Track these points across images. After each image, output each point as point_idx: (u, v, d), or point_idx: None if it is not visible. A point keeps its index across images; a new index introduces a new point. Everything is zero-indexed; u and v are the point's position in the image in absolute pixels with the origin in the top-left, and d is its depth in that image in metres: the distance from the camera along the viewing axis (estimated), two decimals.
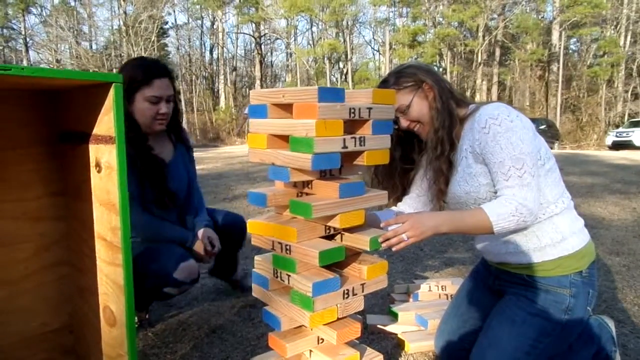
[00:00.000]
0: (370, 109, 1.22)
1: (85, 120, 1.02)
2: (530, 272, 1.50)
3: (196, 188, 2.18)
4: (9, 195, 1.15)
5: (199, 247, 2.00)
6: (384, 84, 1.57)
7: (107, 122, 0.93)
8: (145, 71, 1.81)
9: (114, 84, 0.88)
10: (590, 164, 9.13)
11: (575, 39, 29.85)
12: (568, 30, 26.67)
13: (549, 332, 1.45)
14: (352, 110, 1.18)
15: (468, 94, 30.73)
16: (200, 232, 2.03)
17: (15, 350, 1.21)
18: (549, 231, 1.47)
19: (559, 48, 25.97)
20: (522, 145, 1.37)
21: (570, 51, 30.67)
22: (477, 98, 29.33)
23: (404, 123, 1.55)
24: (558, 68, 25.86)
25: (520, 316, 1.47)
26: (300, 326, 1.33)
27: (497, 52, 29.25)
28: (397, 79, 1.54)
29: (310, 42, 34.02)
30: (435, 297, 2.25)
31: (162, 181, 1.91)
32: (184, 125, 2.01)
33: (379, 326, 2.05)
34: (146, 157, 1.87)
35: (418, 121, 1.53)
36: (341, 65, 32.85)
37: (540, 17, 30.04)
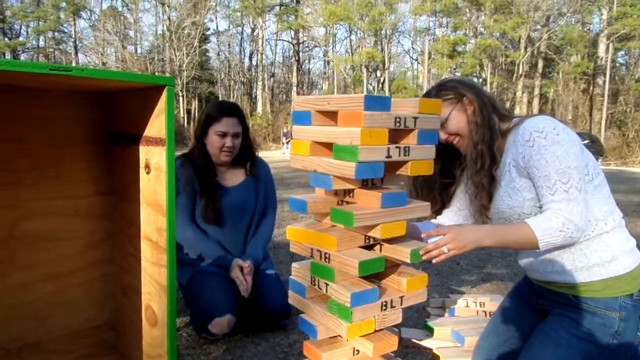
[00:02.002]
0: (416, 118, 1.19)
1: (136, 122, 1.04)
2: (576, 293, 1.43)
3: (267, 220, 2.37)
4: (62, 192, 1.19)
5: (233, 276, 2.12)
6: (426, 96, 1.55)
7: (158, 124, 0.95)
8: (218, 110, 2.16)
9: (166, 87, 0.90)
10: (636, 182, 8.76)
11: (623, 52, 28.81)
12: (616, 42, 25.76)
13: (595, 357, 1.38)
14: (398, 120, 1.16)
15: (508, 106, 30.06)
16: (238, 267, 2.13)
17: (59, 344, 1.24)
18: (598, 250, 1.41)
19: (606, 61, 25.12)
20: (569, 159, 1.32)
21: (618, 64, 29.61)
22: (517, 110, 28.66)
23: (442, 136, 1.52)
24: (604, 81, 25.00)
25: (565, 338, 1.40)
26: (335, 336, 1.31)
27: (540, 63, 28.54)
28: (438, 91, 1.52)
29: (349, 50, 34.11)
30: (472, 313, 2.19)
31: (213, 200, 2.15)
32: None
33: (413, 340, 2.01)
34: (206, 179, 2.16)
35: (457, 134, 1.50)
36: (378, 74, 32.77)
37: (586, 29, 29.17)
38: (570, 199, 1.30)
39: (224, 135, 2.13)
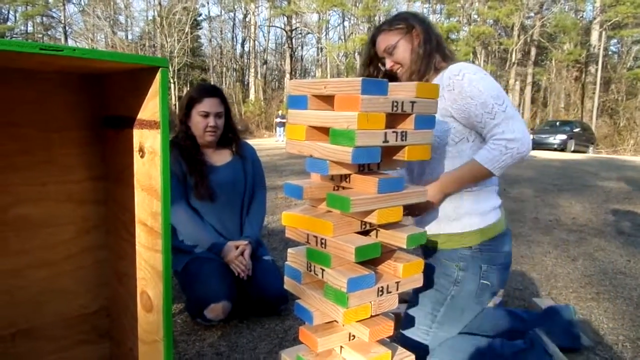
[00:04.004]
0: (413, 102, 1.18)
1: (129, 105, 1.02)
2: (427, 244, 1.61)
3: (258, 199, 2.37)
4: (54, 177, 1.17)
5: (230, 259, 2.13)
6: (380, 26, 1.67)
7: (152, 107, 0.93)
8: (199, 91, 2.21)
9: (160, 69, 0.88)
10: (627, 170, 8.83)
11: (615, 40, 28.87)
12: (608, 30, 25.79)
13: (442, 302, 1.58)
14: (395, 104, 1.15)
15: None
16: (234, 248, 2.15)
17: (54, 330, 1.23)
18: (448, 207, 1.57)
19: (599, 49, 25.16)
20: (498, 87, 1.50)
21: (610, 52, 29.68)
22: (510, 98, 28.65)
23: (388, 64, 1.63)
24: (596, 70, 25.08)
25: (421, 289, 1.59)
26: (331, 321, 1.31)
27: (533, 51, 28.53)
28: (392, 20, 1.64)
29: (342, 37, 33.88)
30: None
31: (202, 177, 2.18)
32: None
33: None
34: (193, 159, 2.18)
35: (400, 64, 1.61)
36: None
37: (579, 16, 29.16)
38: (509, 117, 1.46)
39: (206, 115, 2.16)
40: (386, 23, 1.64)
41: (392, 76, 1.65)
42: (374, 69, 1.71)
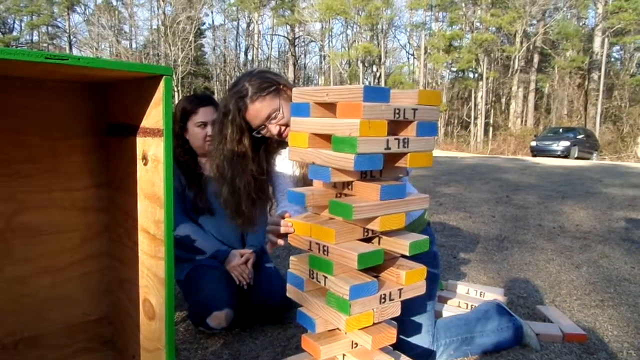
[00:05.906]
0: (415, 110, 1.19)
1: (133, 113, 1.03)
2: None
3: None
4: (58, 184, 1.18)
5: (232, 266, 2.14)
6: (245, 96, 1.55)
7: (155, 115, 0.94)
8: (192, 102, 2.17)
9: (164, 77, 0.89)
10: (631, 176, 8.79)
11: (618, 47, 28.89)
12: (611, 37, 25.82)
13: (434, 282, 1.71)
14: (397, 111, 1.16)
15: (503, 100, 30.18)
16: (239, 256, 2.16)
17: (56, 338, 1.23)
18: None
19: (601, 56, 25.17)
20: None
21: (613, 59, 29.69)
22: (513, 105, 28.74)
23: (274, 130, 1.55)
24: (599, 76, 25.08)
25: None
26: (334, 329, 1.31)
27: (536, 58, 28.57)
28: (258, 87, 1.53)
29: (345, 45, 34.03)
30: (473, 301, 2.18)
31: (200, 190, 2.18)
32: None
33: None
34: (192, 173, 2.19)
35: (288, 125, 1.52)
36: (374, 69, 32.72)
37: (581, 23, 29.23)
38: None
39: (204, 125, 2.14)
40: (255, 91, 1.54)
41: (261, 139, 1.62)
42: (248, 140, 1.62)
